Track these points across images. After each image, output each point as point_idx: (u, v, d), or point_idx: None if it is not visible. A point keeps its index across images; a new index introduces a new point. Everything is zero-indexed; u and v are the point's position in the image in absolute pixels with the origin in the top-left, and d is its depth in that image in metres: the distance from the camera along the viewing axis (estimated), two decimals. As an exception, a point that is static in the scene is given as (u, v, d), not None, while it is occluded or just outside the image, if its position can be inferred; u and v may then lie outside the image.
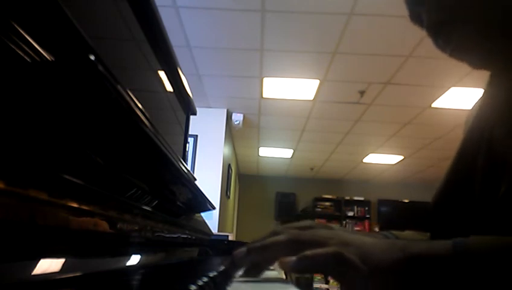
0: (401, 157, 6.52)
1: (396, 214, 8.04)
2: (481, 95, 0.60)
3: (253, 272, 0.44)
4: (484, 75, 0.61)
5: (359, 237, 0.41)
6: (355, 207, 8.36)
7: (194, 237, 1.16)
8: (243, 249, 0.41)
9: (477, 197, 0.51)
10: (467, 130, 0.60)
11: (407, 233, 0.66)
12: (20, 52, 0.28)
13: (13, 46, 0.27)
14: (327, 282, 7.16)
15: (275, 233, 0.44)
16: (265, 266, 0.45)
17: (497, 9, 0.50)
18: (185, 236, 1.02)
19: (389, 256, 0.38)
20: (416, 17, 0.59)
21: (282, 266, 0.37)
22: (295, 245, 0.38)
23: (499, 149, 0.49)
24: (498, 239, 0.38)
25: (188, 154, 3.97)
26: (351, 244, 0.39)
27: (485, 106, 0.57)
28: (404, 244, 0.39)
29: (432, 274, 0.37)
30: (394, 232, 0.65)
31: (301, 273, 0.38)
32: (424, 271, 0.37)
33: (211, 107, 4.75)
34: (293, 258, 0.37)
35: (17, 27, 0.27)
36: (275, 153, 6.81)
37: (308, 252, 0.36)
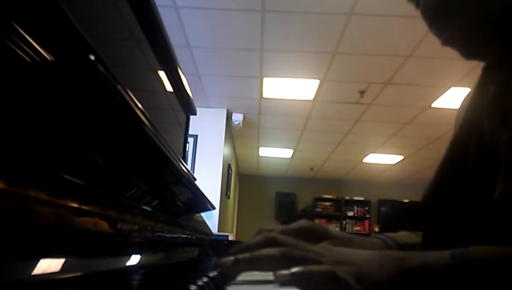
0: (401, 157, 6.52)
1: (396, 214, 8.03)
2: (473, 88, 0.59)
3: (232, 276, 0.44)
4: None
5: (353, 253, 0.41)
6: (355, 207, 8.36)
7: (194, 237, 1.16)
8: (230, 258, 0.40)
9: (468, 194, 0.50)
10: (457, 127, 0.59)
11: (402, 234, 0.65)
12: (20, 52, 0.28)
13: (13, 46, 0.27)
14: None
15: (267, 239, 0.42)
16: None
17: (495, 2, 0.49)
18: (185, 236, 1.02)
19: (385, 272, 0.37)
20: None
21: (276, 279, 0.36)
22: (287, 261, 0.37)
23: (489, 145, 0.48)
24: (498, 250, 0.37)
25: (188, 154, 3.96)
26: (345, 263, 0.38)
27: (475, 101, 0.56)
28: (399, 258, 0.39)
29: (430, 287, 0.36)
30: (389, 234, 0.65)
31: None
32: (421, 284, 0.37)
33: (211, 107, 4.75)
34: (287, 272, 0.36)
35: (17, 27, 0.27)
36: (274, 153, 6.80)
37: (302, 269, 0.35)
